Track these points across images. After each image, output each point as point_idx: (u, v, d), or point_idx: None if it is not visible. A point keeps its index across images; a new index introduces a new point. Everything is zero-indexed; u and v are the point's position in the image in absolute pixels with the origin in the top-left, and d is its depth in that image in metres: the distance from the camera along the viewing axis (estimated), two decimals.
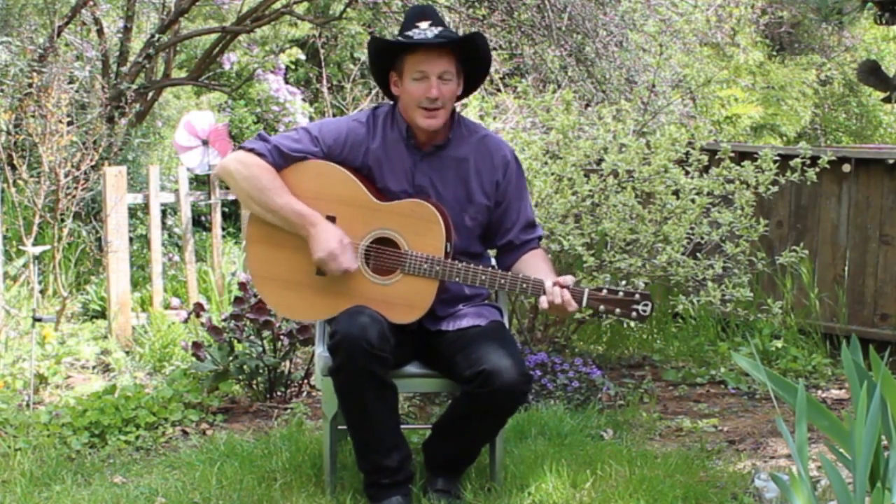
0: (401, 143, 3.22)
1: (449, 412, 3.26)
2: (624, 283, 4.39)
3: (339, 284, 3.16)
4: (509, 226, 3.29)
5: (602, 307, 3.06)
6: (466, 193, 3.23)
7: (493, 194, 3.26)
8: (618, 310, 3.05)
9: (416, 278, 3.13)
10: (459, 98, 3.34)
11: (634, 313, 3.05)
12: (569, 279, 3.07)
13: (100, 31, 7.02)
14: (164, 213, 6.44)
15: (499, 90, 8.01)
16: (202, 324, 4.52)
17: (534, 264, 3.23)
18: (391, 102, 3.31)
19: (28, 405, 4.10)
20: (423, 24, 3.13)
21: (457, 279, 3.12)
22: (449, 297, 3.24)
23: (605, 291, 3.06)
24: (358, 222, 3.16)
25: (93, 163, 5.31)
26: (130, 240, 5.72)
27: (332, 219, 3.15)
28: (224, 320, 4.40)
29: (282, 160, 3.17)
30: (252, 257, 3.27)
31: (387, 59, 3.23)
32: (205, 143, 5.80)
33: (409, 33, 3.14)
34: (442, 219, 3.13)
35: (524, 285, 3.10)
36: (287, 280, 3.20)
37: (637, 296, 3.05)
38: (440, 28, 3.15)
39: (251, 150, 3.17)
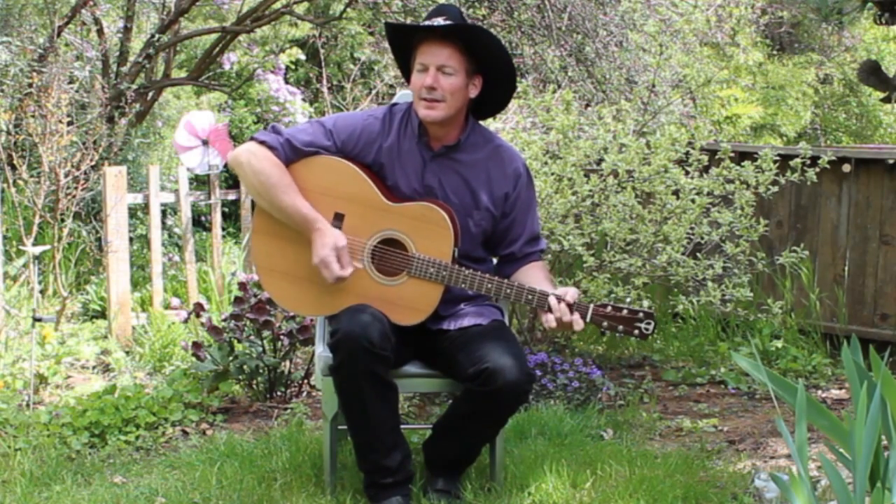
0: (413, 141, 3.22)
1: (450, 411, 3.26)
2: (623, 283, 4.40)
3: (343, 281, 3.16)
4: (514, 238, 3.29)
5: (605, 323, 3.07)
6: (473, 199, 3.23)
7: (502, 205, 3.25)
8: (621, 327, 3.06)
9: (422, 281, 3.13)
10: (489, 111, 3.34)
11: (637, 331, 3.07)
12: (572, 294, 3.07)
13: (100, 31, 7.02)
14: (164, 213, 6.44)
15: None
16: (202, 324, 4.52)
17: (533, 275, 3.23)
18: (407, 101, 3.31)
19: (28, 405, 4.10)
20: (439, 19, 3.13)
21: (463, 285, 3.12)
22: (451, 297, 3.23)
23: (609, 308, 3.07)
24: (366, 221, 3.16)
25: (93, 163, 5.31)
26: (130, 240, 5.72)
27: (340, 216, 3.16)
28: (224, 320, 4.40)
29: (293, 155, 3.17)
30: (257, 248, 3.27)
31: (403, 58, 3.24)
32: (205, 143, 5.80)
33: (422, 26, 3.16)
34: (451, 224, 3.13)
35: (530, 297, 3.10)
36: (291, 273, 3.20)
37: (641, 314, 3.06)
38: (447, 22, 3.12)
39: (263, 143, 3.17)
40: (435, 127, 3.19)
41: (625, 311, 3.06)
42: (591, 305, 3.06)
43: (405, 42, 3.23)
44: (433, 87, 3.11)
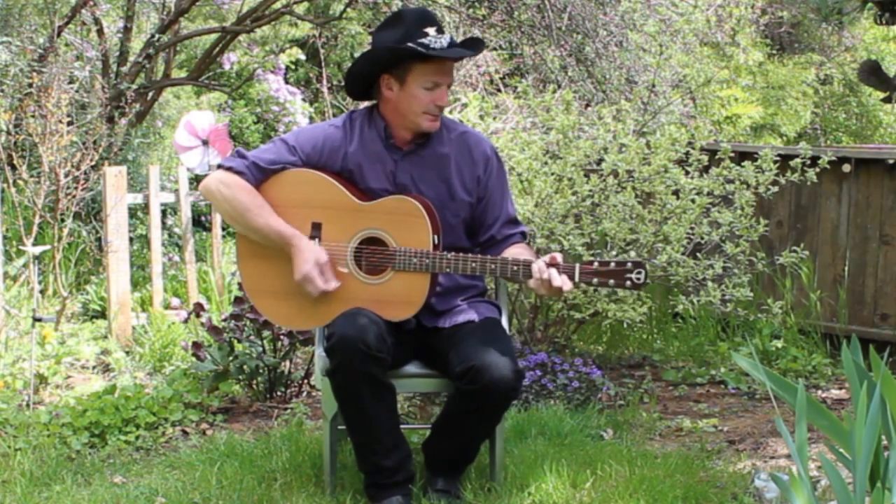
0: (379, 143, 3.23)
1: (444, 410, 3.27)
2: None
3: (332, 289, 3.16)
4: (491, 221, 3.29)
5: (595, 280, 3.04)
6: (448, 190, 3.24)
7: (475, 190, 3.27)
8: (611, 281, 3.02)
9: (408, 274, 3.13)
10: None
11: (629, 282, 3.02)
12: (557, 257, 3.05)
13: (100, 31, 7.02)
14: (164, 213, 6.43)
15: (499, 90, 8.02)
16: (202, 324, 4.52)
17: (517, 254, 3.21)
18: (364, 107, 3.31)
19: (28, 405, 4.10)
20: (432, 31, 3.13)
21: (448, 270, 3.12)
22: (443, 290, 3.25)
23: (596, 264, 3.04)
24: (344, 225, 3.17)
25: (93, 163, 5.31)
26: (130, 240, 5.72)
27: (317, 225, 3.17)
28: (224, 320, 4.41)
29: (261, 175, 3.19)
30: (244, 273, 3.28)
31: (388, 62, 3.18)
32: (205, 143, 5.81)
33: (424, 41, 3.10)
34: (426, 211, 3.14)
35: (515, 268, 3.08)
36: (280, 291, 3.21)
37: (629, 264, 3.02)
38: (447, 37, 3.16)
39: (230, 169, 3.19)
40: (427, 132, 3.23)
41: (612, 265, 3.02)
42: (577, 265, 3.04)
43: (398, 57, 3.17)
44: (445, 105, 3.19)
